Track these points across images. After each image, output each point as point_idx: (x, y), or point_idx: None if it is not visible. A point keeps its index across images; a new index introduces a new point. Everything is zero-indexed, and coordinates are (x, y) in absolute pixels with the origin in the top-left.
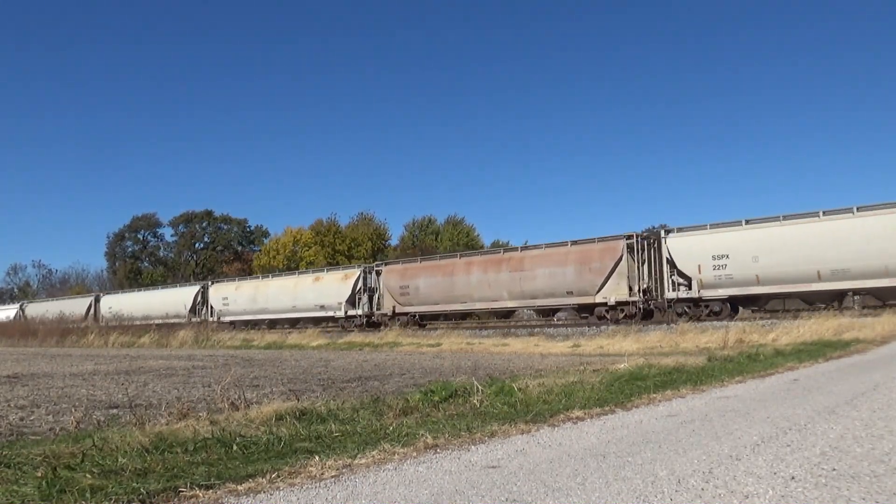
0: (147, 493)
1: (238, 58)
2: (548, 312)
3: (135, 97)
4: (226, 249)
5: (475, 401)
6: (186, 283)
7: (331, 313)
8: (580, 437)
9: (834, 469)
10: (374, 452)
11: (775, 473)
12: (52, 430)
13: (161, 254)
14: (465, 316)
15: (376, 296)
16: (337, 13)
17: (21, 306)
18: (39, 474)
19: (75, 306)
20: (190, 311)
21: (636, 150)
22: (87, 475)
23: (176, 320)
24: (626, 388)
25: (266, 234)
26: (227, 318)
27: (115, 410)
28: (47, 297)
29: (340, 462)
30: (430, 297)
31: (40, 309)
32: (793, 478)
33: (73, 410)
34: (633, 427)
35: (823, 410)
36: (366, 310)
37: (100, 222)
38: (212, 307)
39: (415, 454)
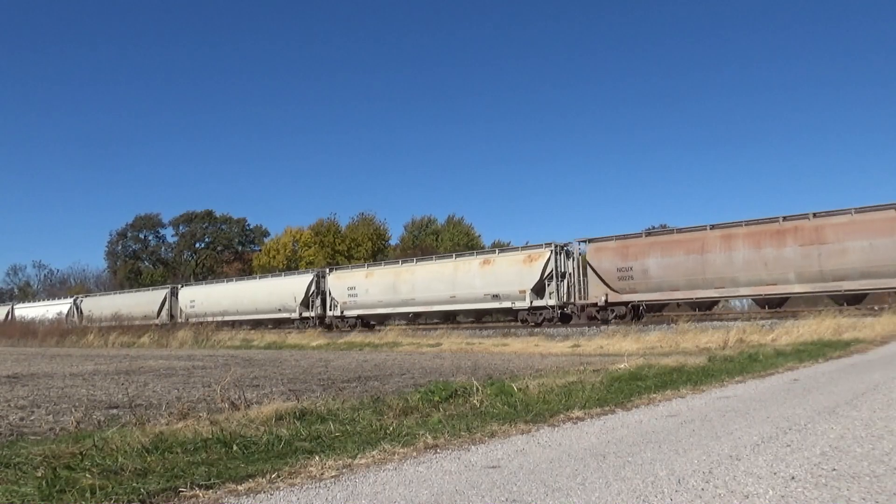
0: (147, 493)
1: (238, 58)
2: (860, 298)
3: (135, 97)
4: (226, 249)
5: (475, 401)
6: (293, 271)
7: (286, 315)
8: (580, 437)
9: (834, 469)
10: (374, 452)
11: (775, 473)
12: (52, 430)
13: (161, 253)
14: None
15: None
16: (337, 13)
17: (75, 301)
18: (39, 474)
19: (143, 302)
20: (302, 304)
21: (637, 150)
22: (87, 475)
23: (284, 315)
24: (626, 388)
25: (266, 233)
26: (354, 312)
27: (115, 410)
28: (106, 290)
29: (340, 462)
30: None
31: (98, 305)
32: (793, 478)
33: (73, 410)
34: (633, 427)
35: (823, 410)
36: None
37: (100, 222)
38: (334, 299)
39: (415, 454)
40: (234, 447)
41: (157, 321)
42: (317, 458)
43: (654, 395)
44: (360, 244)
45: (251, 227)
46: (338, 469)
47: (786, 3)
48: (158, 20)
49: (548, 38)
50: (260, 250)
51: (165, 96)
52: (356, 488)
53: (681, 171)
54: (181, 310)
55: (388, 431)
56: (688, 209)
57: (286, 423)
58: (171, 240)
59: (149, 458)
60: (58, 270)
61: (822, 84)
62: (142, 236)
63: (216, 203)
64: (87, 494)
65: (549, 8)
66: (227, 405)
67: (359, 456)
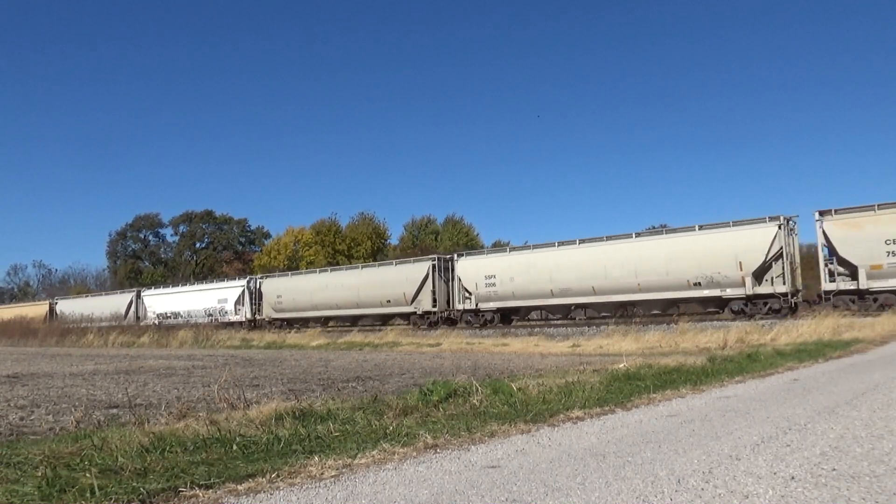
0: (147, 492)
1: (238, 58)
2: None
3: (135, 97)
4: (226, 249)
5: (475, 401)
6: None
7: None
8: (580, 437)
9: (834, 469)
10: (373, 452)
11: (775, 473)
12: (52, 430)
13: (161, 253)
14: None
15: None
16: (337, 13)
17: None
18: (39, 474)
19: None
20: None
21: (637, 150)
22: (87, 475)
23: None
24: (625, 388)
25: (266, 234)
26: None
27: (114, 410)
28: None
29: (340, 462)
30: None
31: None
32: (793, 478)
33: (73, 410)
34: (633, 427)
35: (823, 410)
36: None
37: (100, 222)
38: (465, 290)
39: (415, 454)
40: (234, 447)
41: (432, 308)
42: (316, 457)
43: (654, 395)
44: (361, 243)
45: (252, 227)
46: (337, 469)
47: (786, 3)
48: (158, 20)
49: (548, 38)
50: (261, 250)
51: (165, 96)
52: (356, 488)
53: (681, 171)
54: (466, 291)
55: (387, 431)
56: (688, 209)
57: (286, 423)
58: (171, 240)
59: (148, 458)
60: (57, 270)
61: (822, 84)
62: (142, 236)
63: (216, 203)
64: (87, 494)
65: (549, 8)
66: (226, 405)
67: (358, 456)
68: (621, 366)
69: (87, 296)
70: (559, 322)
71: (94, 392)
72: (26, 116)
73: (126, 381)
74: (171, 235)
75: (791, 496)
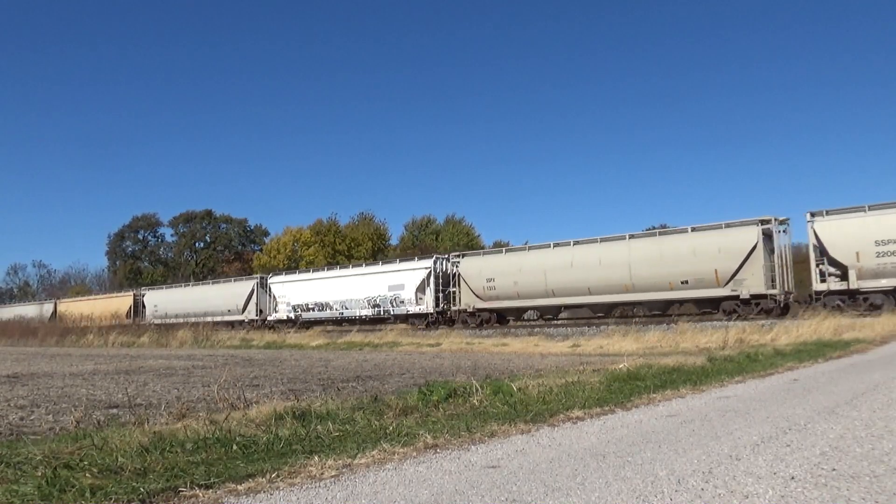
0: (147, 492)
1: (238, 58)
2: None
3: (135, 97)
4: (226, 249)
5: (475, 401)
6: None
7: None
8: (580, 437)
9: (834, 469)
10: (373, 452)
11: (775, 473)
12: (51, 430)
13: (161, 253)
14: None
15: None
16: (337, 13)
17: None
18: (39, 474)
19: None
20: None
21: (636, 150)
22: (87, 475)
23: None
24: (625, 388)
25: (266, 233)
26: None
27: (114, 410)
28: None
29: (340, 462)
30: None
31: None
32: (793, 478)
33: (72, 410)
34: (633, 427)
35: (823, 410)
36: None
37: (100, 222)
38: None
39: (415, 454)
40: (234, 447)
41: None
42: (316, 457)
43: (654, 395)
44: (361, 244)
45: (251, 226)
46: (337, 469)
47: (786, 3)
48: (158, 20)
49: (548, 38)
50: (261, 250)
51: (165, 96)
52: (356, 488)
53: (681, 171)
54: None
55: (387, 431)
56: (688, 209)
57: (286, 423)
58: (170, 239)
59: (148, 458)
60: (56, 270)
61: (822, 84)
62: (140, 236)
63: (216, 203)
64: (87, 494)
65: (549, 8)
66: (226, 405)
67: (358, 456)
68: (621, 366)
69: (185, 285)
70: (559, 322)
71: (94, 392)
72: (26, 116)
73: (126, 380)
74: (171, 236)
75: (791, 496)
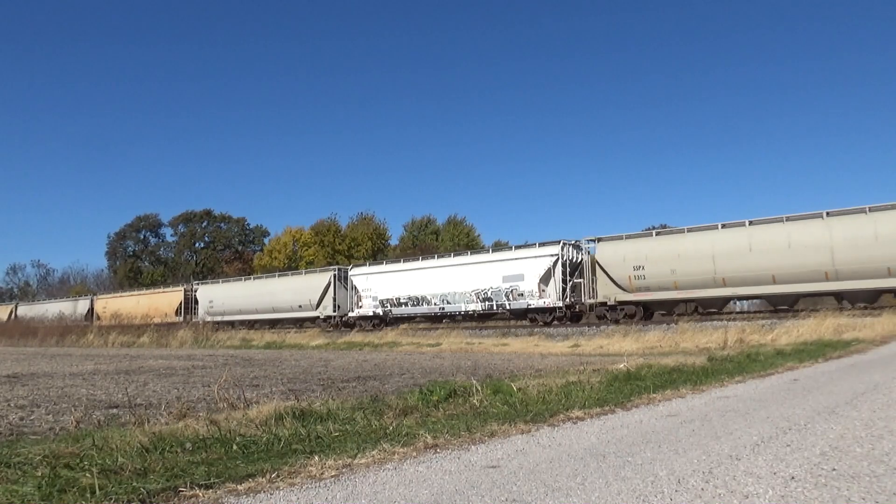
0: (147, 492)
1: (238, 58)
2: None
3: (135, 97)
4: (226, 249)
5: (475, 401)
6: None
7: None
8: (580, 437)
9: (834, 469)
10: (373, 452)
11: (775, 473)
12: (52, 430)
13: (161, 253)
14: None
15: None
16: (337, 13)
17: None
18: (39, 474)
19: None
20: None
21: (637, 150)
22: (87, 475)
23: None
24: (625, 388)
25: (266, 233)
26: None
27: (114, 410)
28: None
29: (340, 462)
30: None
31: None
32: (793, 478)
33: (73, 410)
34: (633, 427)
35: (823, 410)
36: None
37: (100, 222)
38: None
39: (415, 454)
40: (234, 447)
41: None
42: (316, 457)
43: (654, 395)
44: (361, 244)
45: (251, 226)
46: (337, 469)
47: (786, 3)
48: (158, 20)
49: (548, 38)
50: (261, 250)
51: (165, 96)
52: (356, 488)
53: (681, 170)
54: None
55: (387, 431)
56: (688, 209)
57: (286, 423)
58: (170, 239)
59: (148, 458)
60: (56, 270)
61: (822, 84)
62: (141, 236)
63: (216, 203)
64: (87, 494)
65: (549, 8)
66: (226, 405)
67: (358, 456)
68: (621, 366)
69: (246, 279)
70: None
71: (94, 392)
72: (26, 116)
73: (126, 381)
74: (171, 235)
75: (791, 496)
